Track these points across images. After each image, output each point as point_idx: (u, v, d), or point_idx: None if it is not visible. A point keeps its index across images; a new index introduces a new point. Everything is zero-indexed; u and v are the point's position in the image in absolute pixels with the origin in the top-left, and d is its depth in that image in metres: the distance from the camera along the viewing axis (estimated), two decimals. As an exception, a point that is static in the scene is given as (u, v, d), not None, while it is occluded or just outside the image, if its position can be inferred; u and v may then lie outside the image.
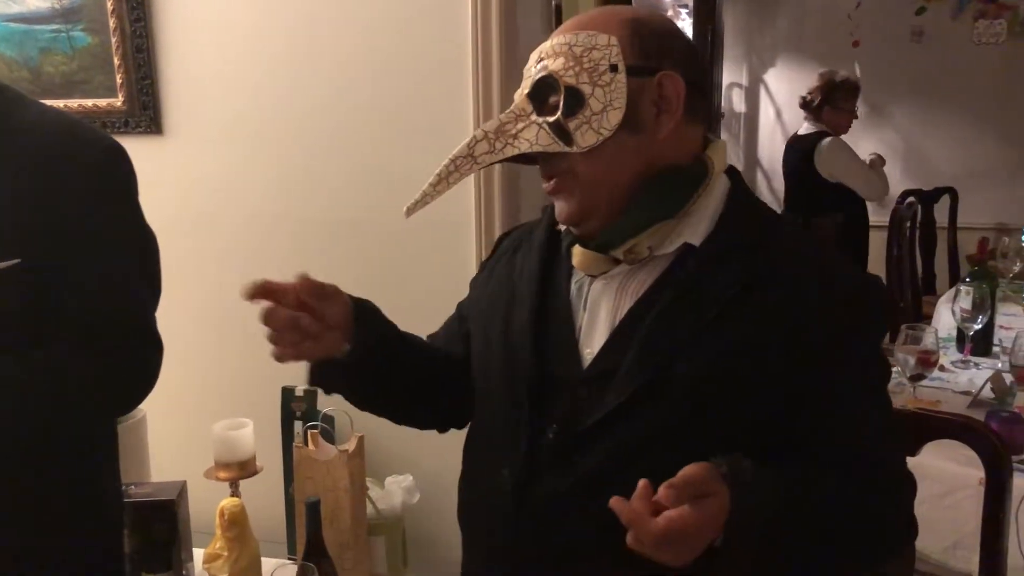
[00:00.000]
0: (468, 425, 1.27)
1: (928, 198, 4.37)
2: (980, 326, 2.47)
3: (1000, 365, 2.35)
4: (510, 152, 1.05)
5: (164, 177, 2.01)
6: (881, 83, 5.13)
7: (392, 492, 1.90)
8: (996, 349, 2.53)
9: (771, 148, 5.59)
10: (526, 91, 1.07)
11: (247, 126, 1.97)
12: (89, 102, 2.05)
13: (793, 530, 0.97)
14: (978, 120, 4.14)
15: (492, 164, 1.08)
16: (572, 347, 1.10)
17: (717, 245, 1.06)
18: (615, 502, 0.88)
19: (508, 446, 1.11)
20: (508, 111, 1.08)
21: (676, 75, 1.05)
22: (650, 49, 1.05)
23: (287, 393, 1.93)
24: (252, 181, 1.99)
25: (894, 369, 2.22)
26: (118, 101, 2.03)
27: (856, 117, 4.06)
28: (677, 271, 1.06)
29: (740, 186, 1.12)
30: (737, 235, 1.07)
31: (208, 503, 1.80)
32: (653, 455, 1.01)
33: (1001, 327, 2.65)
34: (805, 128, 4.12)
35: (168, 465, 1.95)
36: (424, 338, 1.32)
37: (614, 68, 1.03)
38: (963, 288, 2.48)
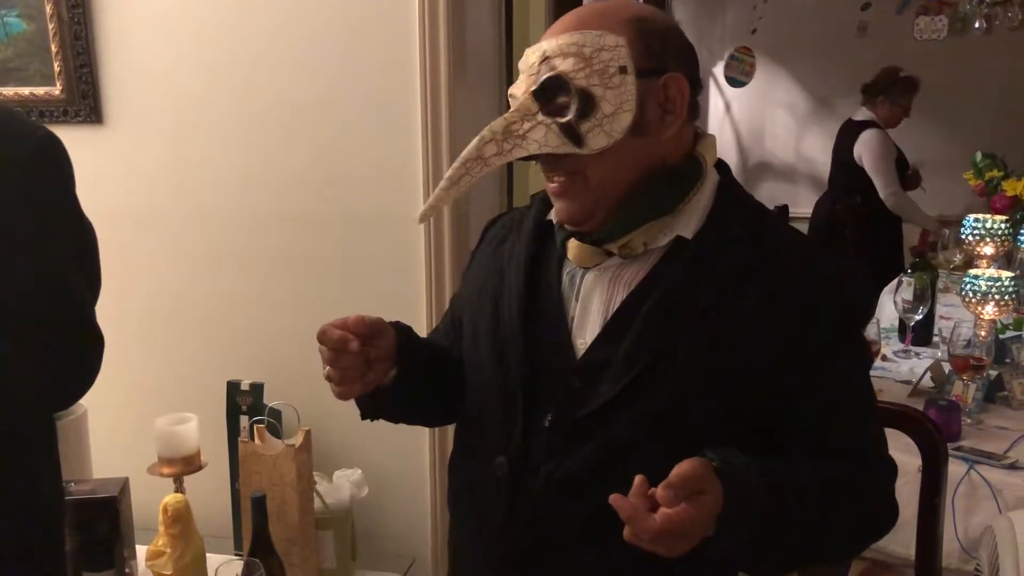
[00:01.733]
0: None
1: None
2: (921, 317, 2.53)
3: (940, 355, 2.40)
4: (519, 153, 1.05)
5: (105, 168, 1.97)
6: (828, 77, 5.23)
7: (340, 486, 1.88)
8: (936, 339, 2.60)
9: (720, 141, 5.63)
10: (531, 89, 1.05)
11: (192, 117, 1.94)
12: (25, 90, 1.99)
13: (783, 519, 0.98)
14: (920, 114, 4.23)
15: (501, 165, 1.07)
16: (565, 337, 1.11)
17: (708, 238, 1.08)
18: (615, 499, 0.89)
19: (503, 435, 1.12)
20: (512, 110, 1.06)
21: (680, 76, 1.06)
22: (655, 50, 1.06)
23: (232, 387, 1.91)
24: (197, 173, 1.96)
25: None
26: (56, 89, 1.97)
27: (908, 115, 4.15)
28: (669, 263, 1.08)
29: (729, 180, 1.15)
30: (727, 228, 1.08)
31: (152, 499, 1.77)
32: (646, 444, 1.04)
33: (941, 317, 2.71)
34: (859, 114, 4.21)
35: (110, 461, 1.91)
36: (434, 339, 1.36)
37: (623, 70, 1.03)
38: (905, 279, 2.53)
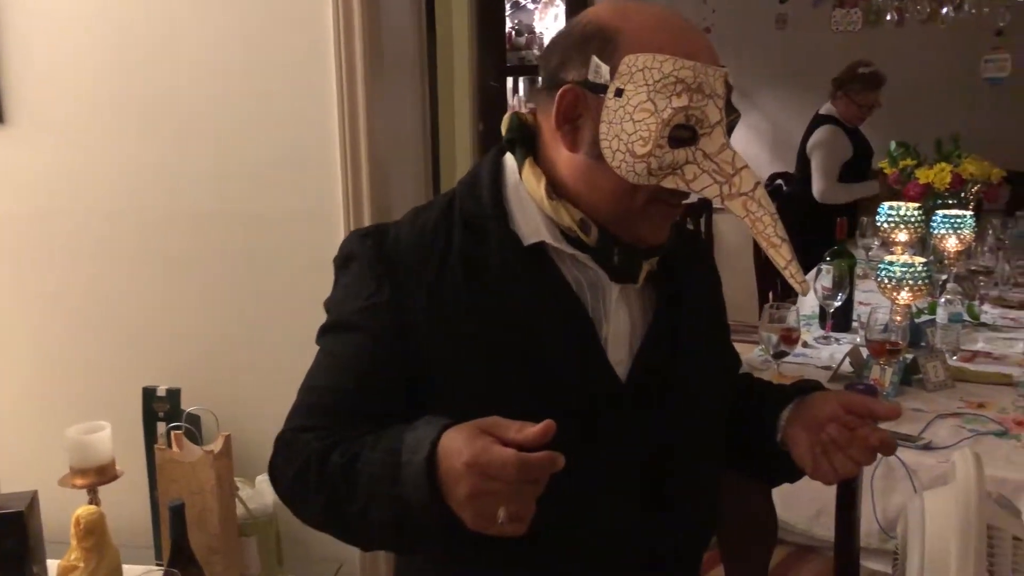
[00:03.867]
0: None
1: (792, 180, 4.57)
2: (840, 303, 2.58)
3: (859, 340, 2.46)
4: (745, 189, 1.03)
5: (5, 168, 1.90)
6: (747, 68, 5.31)
7: (263, 491, 1.84)
8: (855, 324, 2.65)
9: (646, 133, 5.70)
10: (723, 123, 1.01)
11: (94, 115, 1.87)
12: (-80, 89, 1.90)
13: None
14: (838, 104, 4.32)
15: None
16: (602, 361, 1.08)
17: (675, 243, 1.14)
18: (883, 436, 1.02)
19: (603, 487, 1.07)
20: (728, 148, 1.01)
21: None
22: None
23: (148, 393, 1.85)
24: (102, 172, 1.89)
25: (760, 347, 2.30)
26: (-48, 87, 1.89)
27: (870, 114, 4.15)
28: (666, 270, 1.14)
29: None
30: (674, 231, 1.14)
31: (65, 511, 1.70)
32: (707, 447, 1.18)
33: (860, 303, 2.78)
34: (825, 108, 4.25)
35: (17, 474, 1.84)
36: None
37: None
38: (824, 267, 2.58)
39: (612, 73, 0.99)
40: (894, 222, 2.91)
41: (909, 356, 2.20)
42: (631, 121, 0.98)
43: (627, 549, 1.10)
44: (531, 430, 0.81)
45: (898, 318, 2.27)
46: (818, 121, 4.20)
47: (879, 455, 1.04)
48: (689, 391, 1.12)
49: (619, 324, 1.09)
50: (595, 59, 1.00)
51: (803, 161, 4.29)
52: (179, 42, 1.82)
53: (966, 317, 2.61)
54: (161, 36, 1.82)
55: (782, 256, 1.01)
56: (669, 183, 1.01)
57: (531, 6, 5.76)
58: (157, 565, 1.86)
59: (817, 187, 4.07)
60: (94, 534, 1.58)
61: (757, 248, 4.24)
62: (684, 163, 1.00)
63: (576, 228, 1.05)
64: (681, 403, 1.11)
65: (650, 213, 1.04)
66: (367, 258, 1.08)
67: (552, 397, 1.02)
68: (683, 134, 0.99)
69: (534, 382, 1.04)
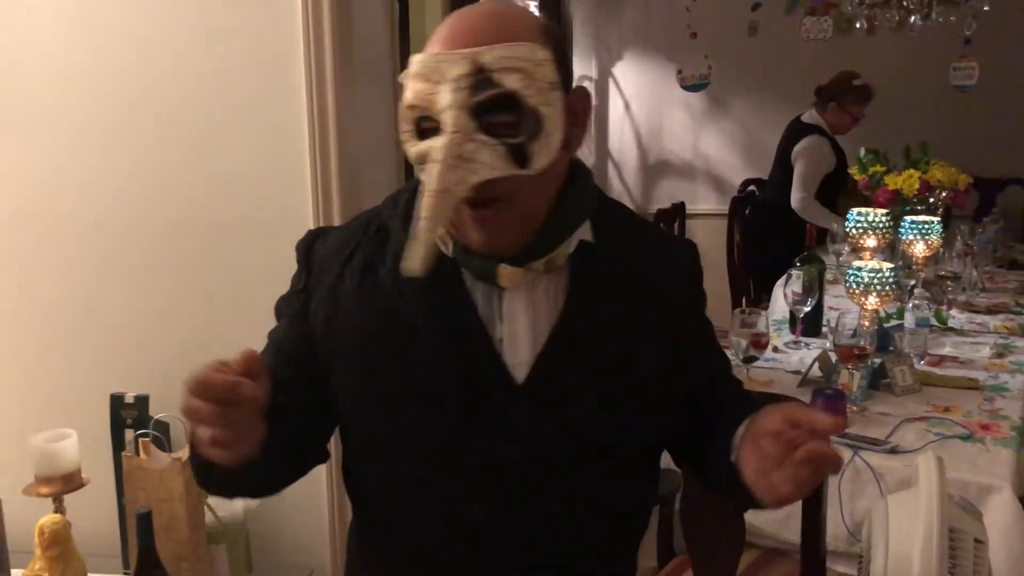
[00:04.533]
0: (360, 479, 1.19)
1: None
2: (809, 308, 2.60)
3: (828, 345, 2.48)
4: (473, 179, 0.94)
5: (-31, 173, 1.87)
6: (720, 76, 5.35)
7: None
8: (825, 329, 2.68)
9: (620, 140, 5.73)
10: (468, 104, 0.94)
11: (60, 119, 1.85)
12: None
13: None
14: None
15: (464, 194, 0.96)
16: (496, 362, 1.06)
17: (607, 239, 1.10)
18: (810, 449, 0.91)
19: (463, 479, 1.07)
20: (452, 133, 0.94)
21: (583, 86, 1.07)
22: (566, 60, 1.04)
23: (116, 400, 1.83)
24: (67, 177, 1.87)
25: (729, 352, 2.32)
26: (-85, 90, 1.86)
27: (857, 123, 4.16)
28: (582, 269, 1.08)
29: (590, 178, 1.14)
30: (615, 226, 1.12)
31: (30, 520, 1.67)
32: (625, 452, 1.12)
33: (831, 308, 2.80)
34: (807, 116, 4.22)
35: (-18, 483, 1.81)
36: None
37: (553, 85, 0.98)
38: (794, 272, 2.60)
39: None
40: (863, 228, 2.94)
41: (877, 361, 2.23)
42: None
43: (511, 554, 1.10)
44: (236, 356, 0.87)
45: (866, 323, 2.29)
46: (803, 129, 4.17)
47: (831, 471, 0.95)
48: (589, 396, 1.06)
49: (517, 325, 1.06)
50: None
51: (780, 166, 4.29)
52: (150, 49, 1.81)
53: (934, 322, 2.64)
54: (132, 42, 1.81)
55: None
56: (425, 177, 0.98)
57: (504, 11, 5.77)
58: (124, 574, 1.85)
59: (796, 196, 4.06)
60: (58, 543, 1.57)
61: (730, 254, 4.28)
62: (429, 156, 0.96)
63: (449, 247, 1.06)
64: (583, 408, 1.06)
65: (462, 217, 1.01)
66: (301, 253, 1.16)
67: (430, 396, 1.05)
68: (431, 124, 0.98)
69: (413, 383, 1.05)
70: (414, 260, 0.94)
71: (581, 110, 1.06)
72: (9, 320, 1.93)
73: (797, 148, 4.14)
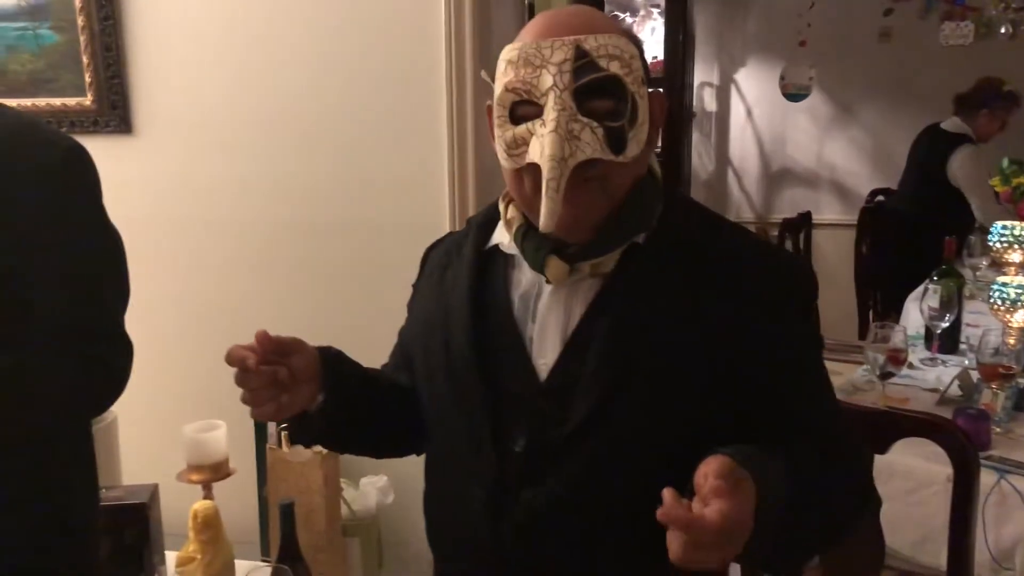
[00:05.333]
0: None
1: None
2: (947, 324, 2.50)
3: (967, 362, 2.38)
4: (580, 156, 0.98)
5: (134, 177, 2.00)
6: (848, 83, 5.20)
7: (367, 493, 1.89)
8: (963, 347, 2.57)
9: (742, 147, 5.63)
10: (572, 87, 0.98)
11: (219, 126, 1.96)
12: (57, 101, 2.02)
13: (799, 502, 0.95)
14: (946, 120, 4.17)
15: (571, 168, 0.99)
16: (524, 360, 1.09)
17: (659, 243, 1.08)
18: (663, 513, 0.79)
19: (474, 465, 1.10)
20: (559, 109, 0.98)
21: (660, 91, 1.09)
22: (645, 63, 1.06)
23: (260, 394, 1.92)
24: (223, 182, 1.98)
25: (864, 367, 2.25)
26: (87, 100, 2.00)
27: (1003, 131, 4.01)
28: (624, 272, 1.07)
29: (676, 189, 1.17)
30: (678, 233, 1.09)
31: (181, 506, 1.78)
32: (626, 460, 1.04)
33: (968, 325, 2.68)
34: (950, 124, 4.00)
35: (140, 468, 1.93)
36: (383, 370, 1.31)
37: (643, 80, 1.03)
38: (931, 286, 2.50)
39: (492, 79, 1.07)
40: (1007, 242, 2.81)
41: (1022, 381, 2.12)
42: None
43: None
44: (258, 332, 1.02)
45: (1011, 341, 2.18)
46: (951, 140, 3.94)
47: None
48: (603, 402, 1.03)
49: (547, 324, 1.08)
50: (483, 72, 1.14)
51: (919, 177, 4.07)
52: (299, 59, 1.89)
53: (1084, 342, 2.50)
54: (282, 52, 1.90)
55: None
56: (522, 160, 1.02)
57: (629, 19, 5.77)
58: (264, 560, 1.92)
59: (977, 205, 3.83)
60: (210, 527, 1.65)
61: (857, 265, 4.15)
62: (529, 137, 1.01)
63: (512, 229, 1.10)
64: (603, 412, 1.03)
65: (539, 201, 1.00)
66: (423, 255, 1.30)
67: (464, 390, 1.10)
68: (527, 111, 1.01)
69: (450, 373, 1.12)
70: (546, 219, 0.98)
71: (659, 110, 1.08)
72: (165, 317, 2.05)
73: (955, 164, 3.89)
